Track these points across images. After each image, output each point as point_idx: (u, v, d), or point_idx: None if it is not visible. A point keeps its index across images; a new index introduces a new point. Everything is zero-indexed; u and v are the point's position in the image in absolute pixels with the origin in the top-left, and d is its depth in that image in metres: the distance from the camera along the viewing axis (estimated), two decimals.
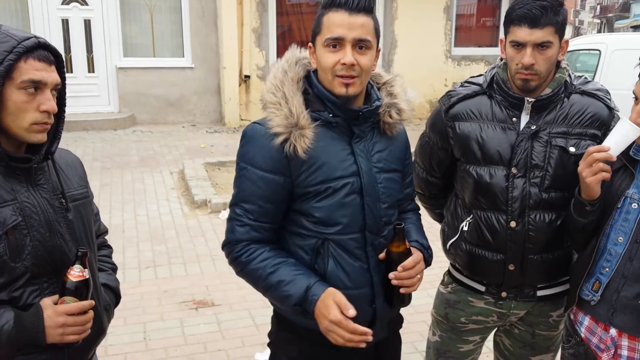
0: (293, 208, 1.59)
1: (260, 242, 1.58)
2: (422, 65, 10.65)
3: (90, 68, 9.84)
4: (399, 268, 1.55)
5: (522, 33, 1.72)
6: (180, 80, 10.06)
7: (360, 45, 1.49)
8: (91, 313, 1.43)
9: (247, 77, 10.06)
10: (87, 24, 9.69)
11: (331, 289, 1.50)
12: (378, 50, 1.58)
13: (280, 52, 10.47)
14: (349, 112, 1.56)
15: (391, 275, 1.55)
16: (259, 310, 3.71)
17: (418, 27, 10.80)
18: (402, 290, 1.57)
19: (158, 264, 4.50)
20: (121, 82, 9.85)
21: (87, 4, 9.61)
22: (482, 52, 11.54)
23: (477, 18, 11.97)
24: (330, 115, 1.55)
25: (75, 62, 9.73)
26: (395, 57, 10.82)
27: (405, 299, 1.65)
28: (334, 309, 1.45)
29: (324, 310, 1.47)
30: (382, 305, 1.65)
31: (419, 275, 1.59)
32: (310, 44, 1.59)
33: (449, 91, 2.01)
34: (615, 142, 1.58)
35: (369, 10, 1.51)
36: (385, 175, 1.63)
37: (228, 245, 1.61)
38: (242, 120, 10.18)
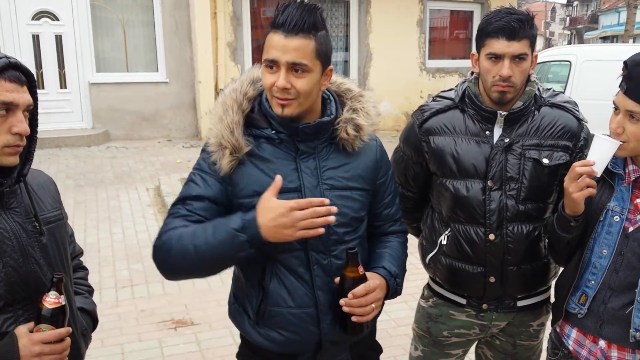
0: None
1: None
2: (398, 77, 10.78)
3: (62, 84, 9.73)
4: (350, 295, 1.49)
5: (500, 45, 1.75)
6: (155, 95, 9.99)
7: (295, 68, 1.46)
8: (68, 340, 1.38)
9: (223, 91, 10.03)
10: (59, 39, 9.59)
11: (260, 200, 1.44)
12: (329, 70, 1.54)
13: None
14: (290, 129, 1.54)
15: (342, 301, 1.50)
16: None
17: (392, 40, 10.94)
18: (353, 319, 1.51)
19: (135, 283, 4.43)
20: (94, 98, 9.74)
21: (58, 19, 9.52)
22: (455, 64, 11.75)
23: (450, 31, 12.19)
24: (273, 132, 1.55)
25: (47, 78, 9.61)
26: (370, 70, 10.92)
27: (363, 328, 1.57)
28: (275, 201, 1.41)
29: (267, 213, 1.40)
30: (331, 328, 1.60)
31: (373, 305, 1.52)
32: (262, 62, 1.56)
33: (422, 106, 2.02)
34: (596, 158, 1.60)
35: (307, 31, 1.44)
36: (337, 192, 1.57)
37: (159, 236, 1.57)
38: None
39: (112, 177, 7.48)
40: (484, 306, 1.96)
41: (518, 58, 1.76)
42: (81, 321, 1.61)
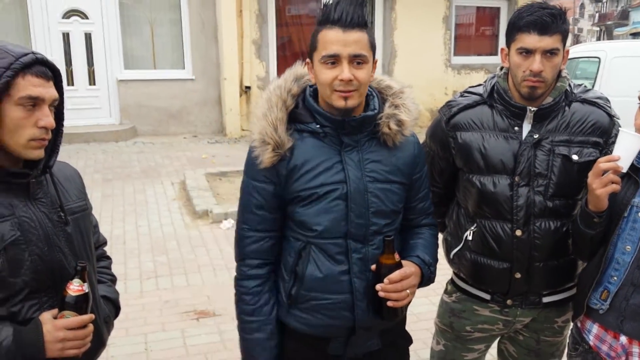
0: (286, 214, 1.67)
1: (260, 259, 1.68)
2: (422, 74, 10.69)
3: (91, 81, 9.87)
4: (385, 280, 1.55)
5: (532, 40, 1.73)
6: (181, 92, 10.09)
7: (357, 60, 1.53)
8: (91, 327, 1.42)
9: (248, 88, 10.09)
10: (88, 37, 9.73)
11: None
12: (375, 62, 1.61)
13: (280, 63, 10.51)
14: (335, 123, 1.60)
15: (377, 287, 1.56)
16: None
17: (417, 37, 10.85)
18: (389, 304, 1.57)
19: (160, 275, 4.49)
20: (122, 94, 9.87)
21: (87, 18, 9.66)
22: (481, 60, 11.59)
23: (476, 27, 12.03)
24: (318, 126, 1.61)
25: (76, 75, 9.76)
26: (395, 67, 10.86)
27: (398, 313, 1.63)
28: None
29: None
30: (366, 314, 1.65)
31: (408, 290, 1.58)
32: (307, 59, 1.63)
33: (449, 101, 2.01)
34: (622, 153, 1.57)
35: (362, 25, 1.53)
36: (379, 185, 1.64)
37: (237, 263, 1.73)
38: (243, 130, 10.19)
39: (139, 172, 7.57)
40: (509, 302, 1.94)
41: (549, 53, 1.73)
42: (104, 309, 1.64)
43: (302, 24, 10.79)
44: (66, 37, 9.59)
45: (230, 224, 5.56)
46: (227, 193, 6.54)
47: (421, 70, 10.74)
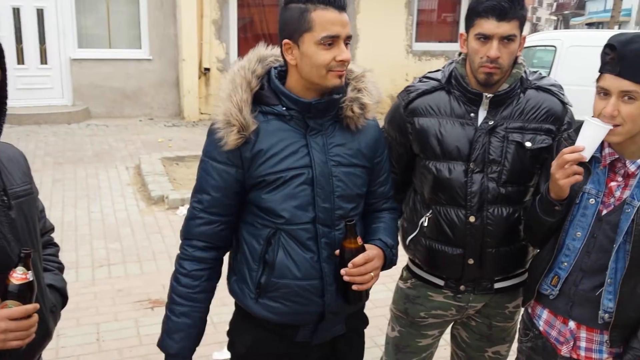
0: (248, 199, 1.65)
1: (207, 242, 1.66)
2: (384, 60, 10.69)
3: (43, 59, 9.55)
4: (349, 264, 1.57)
5: (490, 25, 1.72)
6: (137, 73, 9.85)
7: (346, 42, 1.56)
8: (35, 317, 1.36)
9: (207, 69, 9.91)
10: (40, 13, 9.40)
11: None
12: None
13: (241, 45, 10.35)
14: (301, 105, 1.59)
15: (342, 271, 1.58)
16: (216, 309, 3.54)
17: (380, 21, 10.84)
18: (354, 287, 1.59)
19: (112, 263, 4.38)
20: (75, 74, 9.58)
21: None
22: (442, 47, 11.69)
23: (437, 13, 12.10)
24: (284, 108, 1.60)
25: (27, 53, 9.42)
26: (357, 52, 10.83)
27: (362, 296, 1.65)
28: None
29: None
30: (334, 299, 1.66)
31: (372, 273, 1.60)
32: (287, 40, 1.57)
33: (408, 86, 2.00)
34: (586, 143, 1.58)
35: (341, 7, 1.55)
36: (343, 169, 1.64)
37: (182, 241, 1.72)
38: (201, 113, 10.04)
39: (92, 156, 7.38)
40: (462, 288, 1.96)
41: (507, 39, 1.73)
42: (50, 298, 1.58)
43: (264, 5, 10.64)
44: (16, 12, 9.24)
45: (186, 210, 5.47)
46: (183, 178, 6.43)
47: (383, 56, 10.75)
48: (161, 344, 1.71)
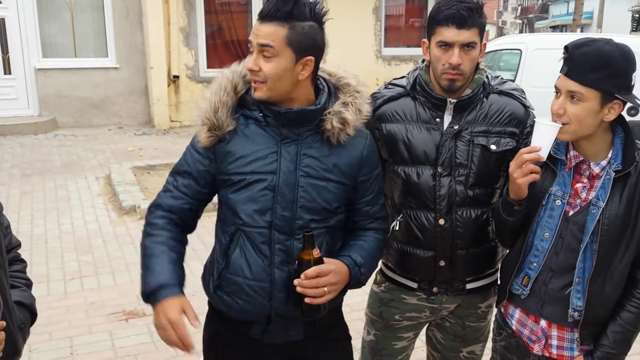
0: (220, 196, 1.71)
1: (173, 214, 1.71)
2: (354, 65, 10.62)
3: (7, 69, 9.37)
4: (302, 276, 1.56)
5: (450, 33, 1.76)
6: (105, 81, 9.72)
7: (262, 51, 1.54)
8: (2, 334, 1.35)
9: (176, 77, 9.84)
10: (2, 22, 9.23)
11: (185, 298, 1.57)
12: (307, 60, 1.58)
13: (210, 51, 10.32)
14: (274, 113, 1.62)
15: (295, 282, 1.57)
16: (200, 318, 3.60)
17: (348, 27, 10.91)
18: (306, 300, 1.57)
19: (84, 275, 4.31)
20: (41, 84, 9.42)
21: (0, 2, 9.13)
22: (411, 52, 11.83)
23: (405, 19, 12.27)
24: (261, 114, 1.63)
25: None
26: (327, 58, 10.85)
27: (318, 309, 1.60)
28: (177, 311, 1.53)
29: (167, 308, 1.54)
30: (282, 304, 1.66)
31: (325, 288, 1.57)
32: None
33: (374, 93, 2.02)
34: (540, 143, 1.63)
35: (278, 18, 1.52)
36: (311, 180, 1.63)
37: (149, 209, 1.76)
38: (172, 121, 9.95)
39: (60, 166, 7.25)
40: (435, 289, 1.99)
41: (467, 46, 1.77)
42: (18, 315, 1.55)
43: (232, 12, 10.63)
44: None
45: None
46: (155, 187, 6.34)
47: (352, 61, 10.73)
48: (144, 290, 1.62)
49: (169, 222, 1.70)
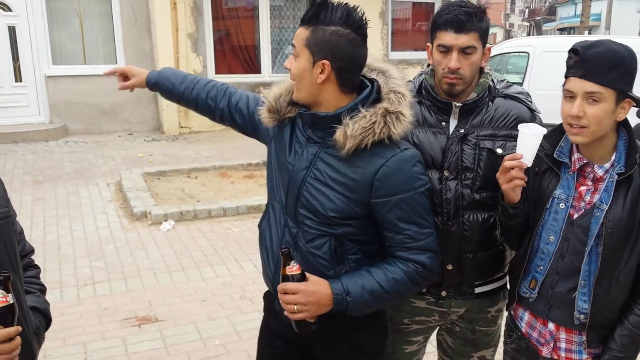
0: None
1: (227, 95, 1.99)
2: None
3: (18, 77, 9.43)
4: (278, 287, 1.58)
5: (449, 37, 1.78)
6: (114, 88, 9.47)
7: (293, 50, 1.63)
8: (18, 339, 1.36)
9: None
10: (12, 30, 9.28)
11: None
12: (322, 64, 1.57)
13: (218, 57, 10.36)
14: (299, 113, 1.72)
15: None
16: (204, 324, 3.64)
17: None
18: (284, 313, 1.59)
19: (97, 281, 4.35)
20: (51, 91, 9.48)
21: (10, 10, 9.21)
22: (418, 55, 11.85)
23: (412, 22, 12.28)
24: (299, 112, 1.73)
25: (1, 71, 9.29)
26: None
27: (306, 325, 1.60)
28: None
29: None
30: (277, 281, 1.69)
31: (296, 306, 1.55)
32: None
33: None
34: (524, 150, 1.66)
35: (305, 22, 1.60)
36: (316, 184, 1.64)
37: None
38: (181, 127, 9.99)
39: (72, 173, 7.29)
40: (443, 293, 1.99)
41: (466, 51, 1.78)
42: (33, 320, 1.57)
43: (239, 17, 10.68)
44: None
45: (170, 226, 5.44)
46: (166, 193, 6.40)
47: None
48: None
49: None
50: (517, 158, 1.66)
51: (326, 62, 1.56)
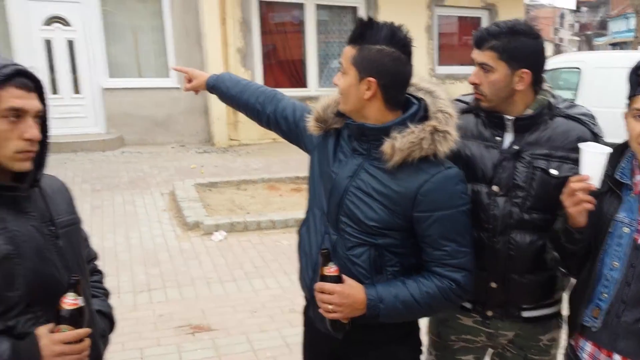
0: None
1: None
2: None
3: (76, 89, 9.79)
4: (316, 285, 1.66)
5: (473, 52, 1.83)
6: (167, 100, 10.07)
7: (341, 67, 1.70)
8: (88, 341, 1.41)
9: None
10: (70, 44, 9.65)
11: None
12: (368, 81, 1.63)
13: (266, 71, 10.55)
14: (346, 123, 1.76)
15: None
16: (256, 335, 3.71)
17: None
18: (319, 311, 1.68)
19: (153, 288, 4.48)
20: (108, 103, 9.82)
21: (69, 25, 9.59)
22: (465, 70, 11.71)
23: (458, 36, 12.20)
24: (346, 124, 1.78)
25: (60, 83, 9.68)
26: None
27: (340, 325, 1.68)
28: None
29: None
30: (312, 287, 1.74)
31: (331, 306, 1.63)
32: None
33: None
34: (590, 171, 1.58)
35: (353, 41, 1.66)
36: (359, 194, 1.69)
37: None
38: (231, 140, 10.18)
39: (127, 182, 7.53)
40: (489, 313, 1.95)
41: (484, 67, 1.79)
42: (99, 323, 1.64)
43: (287, 32, 10.86)
44: (48, 44, 9.53)
45: (221, 236, 5.58)
46: (217, 204, 6.54)
47: None
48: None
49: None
50: (585, 180, 1.58)
51: (372, 79, 1.63)
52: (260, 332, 3.73)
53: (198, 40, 10.11)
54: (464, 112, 1.93)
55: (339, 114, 1.77)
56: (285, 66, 10.96)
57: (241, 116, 10.34)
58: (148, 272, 4.77)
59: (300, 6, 10.73)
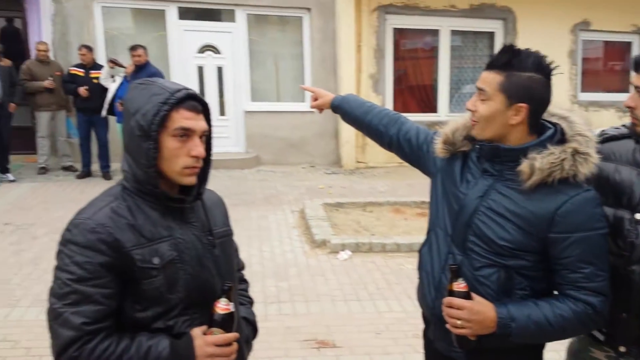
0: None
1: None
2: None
3: (222, 111, 10.55)
4: (445, 300, 1.68)
5: (631, 75, 1.78)
6: (301, 124, 10.52)
7: (480, 94, 1.72)
8: (236, 345, 1.50)
9: None
10: (220, 70, 10.44)
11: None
12: (519, 107, 1.65)
13: (396, 96, 10.68)
14: (478, 146, 1.78)
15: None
16: (379, 357, 3.76)
17: None
18: (447, 326, 1.68)
19: (282, 300, 4.68)
20: (248, 125, 10.47)
21: (220, 53, 10.39)
22: (611, 97, 10.96)
23: (603, 62, 11.45)
24: (478, 146, 1.79)
25: (211, 105, 10.46)
26: None
27: (466, 341, 1.68)
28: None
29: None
30: (434, 305, 1.79)
31: (459, 322, 1.64)
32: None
33: (602, 130, 2.00)
34: None
35: (497, 67, 1.68)
36: (490, 214, 1.70)
37: None
38: (358, 162, 10.39)
39: (262, 199, 7.95)
40: (622, 349, 1.85)
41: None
42: (245, 329, 1.74)
43: (419, 58, 10.92)
44: (200, 70, 10.39)
45: (347, 255, 5.73)
46: (343, 224, 6.71)
47: None
48: None
49: None
50: None
51: (523, 105, 1.66)
52: (384, 355, 3.77)
53: (334, 67, 10.48)
54: (624, 137, 1.90)
55: (469, 138, 1.81)
56: (415, 91, 11.01)
57: (369, 140, 10.57)
58: (278, 285, 5.01)
59: (434, 32, 10.76)
